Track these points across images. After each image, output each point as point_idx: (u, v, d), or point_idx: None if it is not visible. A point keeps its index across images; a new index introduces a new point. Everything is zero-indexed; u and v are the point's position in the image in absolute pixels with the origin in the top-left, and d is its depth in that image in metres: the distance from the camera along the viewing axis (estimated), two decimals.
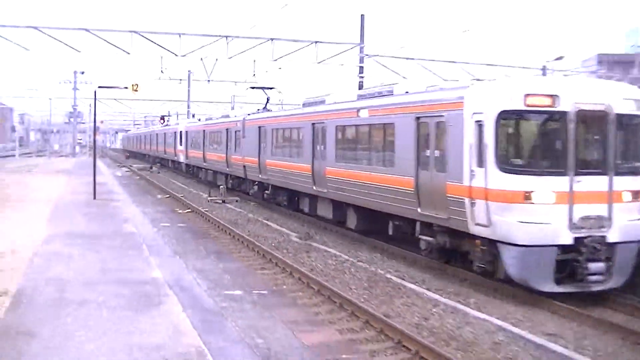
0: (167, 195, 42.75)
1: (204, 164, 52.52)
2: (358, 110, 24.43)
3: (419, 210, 19.96)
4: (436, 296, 16.76)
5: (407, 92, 22.38)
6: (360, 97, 25.77)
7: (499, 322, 14.49)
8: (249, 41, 47.31)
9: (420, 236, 20.46)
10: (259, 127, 36.84)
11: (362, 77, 48.39)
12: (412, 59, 48.42)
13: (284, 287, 18.15)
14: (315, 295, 17.08)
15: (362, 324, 14.52)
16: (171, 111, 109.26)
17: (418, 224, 20.55)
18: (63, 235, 23.46)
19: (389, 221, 22.71)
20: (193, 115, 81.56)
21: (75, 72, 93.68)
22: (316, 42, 47.99)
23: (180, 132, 63.64)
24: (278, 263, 20.77)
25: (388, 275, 19.09)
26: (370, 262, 21.37)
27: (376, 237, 24.25)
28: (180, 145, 63.06)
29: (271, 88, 46.59)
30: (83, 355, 11.34)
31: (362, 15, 48.16)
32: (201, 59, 51.47)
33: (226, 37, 46.71)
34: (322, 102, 29.47)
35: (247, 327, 13.72)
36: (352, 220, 26.08)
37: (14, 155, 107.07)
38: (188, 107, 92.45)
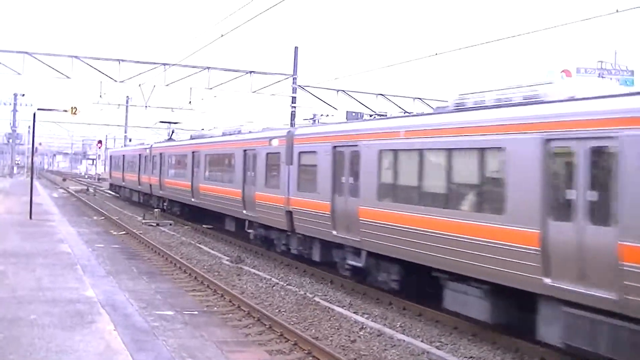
0: (103, 217, 42.01)
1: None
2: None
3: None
4: (362, 319, 16.62)
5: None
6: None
7: (424, 346, 14.41)
8: (185, 69, 47.08)
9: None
10: (347, 147, 20.30)
11: (295, 106, 48.36)
12: (343, 90, 48.57)
13: (215, 308, 17.84)
14: (245, 317, 16.81)
15: (291, 345, 14.31)
16: (108, 135, 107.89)
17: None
18: None
19: None
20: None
21: (15, 94, 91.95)
22: (251, 72, 48.01)
23: None
24: (209, 285, 20.47)
25: (316, 299, 18.93)
26: (299, 285, 21.19)
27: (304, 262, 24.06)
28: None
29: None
30: None
31: (295, 47, 48.32)
32: (139, 85, 50.88)
33: (164, 64, 46.39)
34: None
35: (178, 347, 13.37)
36: None
37: None
38: (125, 131, 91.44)
